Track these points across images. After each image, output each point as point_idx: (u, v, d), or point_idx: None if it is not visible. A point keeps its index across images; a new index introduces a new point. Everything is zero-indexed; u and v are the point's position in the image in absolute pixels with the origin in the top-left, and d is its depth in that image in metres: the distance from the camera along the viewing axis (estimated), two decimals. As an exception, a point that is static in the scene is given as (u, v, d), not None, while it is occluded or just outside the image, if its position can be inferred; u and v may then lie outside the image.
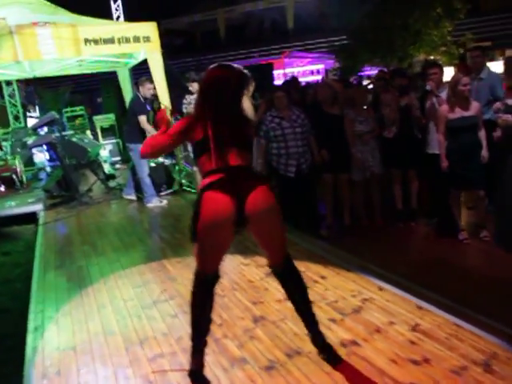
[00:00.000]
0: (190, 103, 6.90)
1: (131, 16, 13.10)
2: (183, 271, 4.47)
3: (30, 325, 3.75)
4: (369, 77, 15.54)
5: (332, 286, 3.81)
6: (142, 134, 7.33)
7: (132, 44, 7.42)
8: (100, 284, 4.43)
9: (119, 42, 7.28)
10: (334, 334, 3.07)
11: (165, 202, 7.55)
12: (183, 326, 3.40)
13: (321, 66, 17.70)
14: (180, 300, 3.85)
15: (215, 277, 2.68)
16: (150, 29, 7.51)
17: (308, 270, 4.16)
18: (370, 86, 8.27)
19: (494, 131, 5.22)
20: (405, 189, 6.05)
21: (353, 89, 6.34)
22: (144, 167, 7.44)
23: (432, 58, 14.67)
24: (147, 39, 7.45)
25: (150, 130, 7.22)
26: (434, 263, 4.73)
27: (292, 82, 7.86)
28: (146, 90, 7.45)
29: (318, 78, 16.47)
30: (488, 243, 5.09)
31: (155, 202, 7.42)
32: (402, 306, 3.36)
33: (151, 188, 7.50)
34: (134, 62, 9.24)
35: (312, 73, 17.89)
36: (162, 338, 3.29)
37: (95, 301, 4.06)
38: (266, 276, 4.10)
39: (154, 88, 7.85)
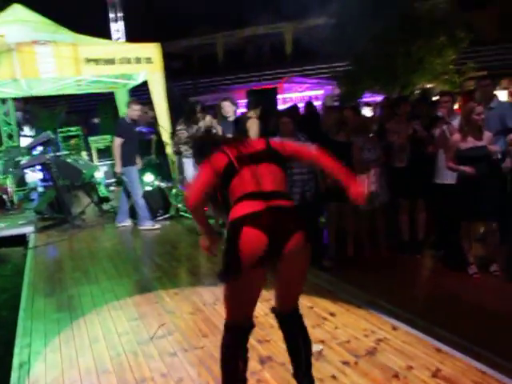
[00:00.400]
0: (182, 131, 6.71)
1: (131, 38, 13.06)
2: (182, 304, 4.21)
3: (15, 360, 3.47)
4: (367, 104, 15.52)
5: (342, 324, 3.56)
6: (132, 156, 7.17)
7: (132, 65, 7.30)
8: (92, 315, 4.15)
9: (120, 63, 7.15)
10: (348, 379, 2.82)
11: (158, 225, 7.37)
12: (183, 366, 3.15)
13: (320, 92, 17.67)
14: (179, 336, 3.59)
15: (250, 327, 2.48)
16: (152, 50, 7.40)
17: (316, 305, 3.93)
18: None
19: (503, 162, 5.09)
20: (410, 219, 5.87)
21: (363, 116, 6.18)
22: (137, 190, 7.29)
23: (430, 86, 14.68)
24: (148, 60, 7.32)
25: (117, 155, 7.07)
26: (445, 299, 4.48)
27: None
28: (131, 112, 7.22)
29: (317, 103, 16.41)
30: (499, 278, 4.88)
31: (148, 225, 7.26)
32: (419, 348, 3.12)
33: (145, 210, 7.33)
34: (133, 83, 9.11)
35: (310, 98, 17.84)
36: (161, 379, 3.02)
37: (87, 334, 3.78)
38: (270, 311, 3.85)
39: (152, 110, 7.69)
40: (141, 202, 7.29)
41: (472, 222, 4.97)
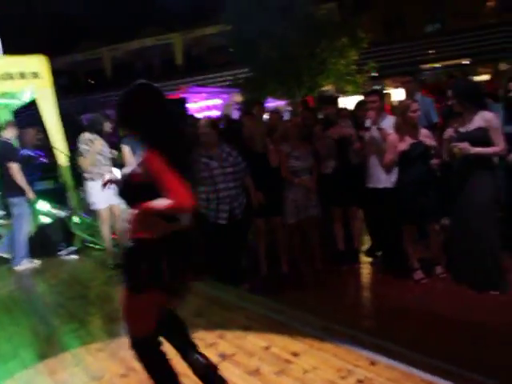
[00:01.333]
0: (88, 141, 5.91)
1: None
2: (109, 364, 3.44)
3: None
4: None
5: (311, 366, 3.02)
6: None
7: (16, 81, 6.29)
8: (-6, 397, 3.26)
9: (1, 79, 6.12)
10: None
11: (36, 261, 6.53)
12: None
13: (219, 101, 17.21)
14: (114, 411, 2.85)
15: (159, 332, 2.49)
16: (38, 63, 6.44)
17: (273, 344, 3.36)
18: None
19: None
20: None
21: (286, 121, 5.74)
22: (24, 225, 6.45)
23: (327, 88, 14.76)
24: (35, 75, 6.36)
25: (23, 181, 6.27)
26: (402, 313, 4.14)
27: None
28: (9, 134, 6.45)
29: (216, 113, 16.02)
30: (446, 280, 4.65)
31: (26, 264, 6.43)
32: (409, 387, 2.67)
33: (24, 249, 6.48)
34: (17, 102, 7.98)
35: (209, 108, 17.36)
36: None
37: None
38: (221, 358, 3.23)
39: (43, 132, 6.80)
40: (23, 240, 6.47)
41: (415, 225, 4.71)
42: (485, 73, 12.51)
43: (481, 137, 4.13)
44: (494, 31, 17.52)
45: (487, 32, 17.77)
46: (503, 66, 13.78)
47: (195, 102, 17.14)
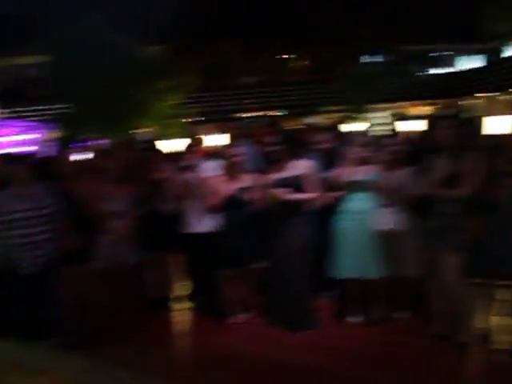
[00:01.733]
0: None
1: None
2: None
3: None
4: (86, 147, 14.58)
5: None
6: None
7: None
8: None
9: None
10: None
11: None
12: None
13: (34, 136, 16.03)
14: None
15: None
16: None
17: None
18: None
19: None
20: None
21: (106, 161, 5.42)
22: None
23: (146, 130, 14.59)
24: None
25: None
26: (220, 360, 4.12)
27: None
28: None
29: (31, 148, 14.87)
30: (262, 324, 4.76)
31: None
32: None
33: None
34: None
35: (23, 143, 16.04)
36: None
37: None
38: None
39: None
40: None
41: (233, 268, 4.78)
42: (295, 124, 13.65)
43: (297, 183, 4.41)
44: (304, 87, 19.40)
45: (298, 88, 19.63)
46: (311, 119, 15.29)
47: (7, 135, 15.73)
